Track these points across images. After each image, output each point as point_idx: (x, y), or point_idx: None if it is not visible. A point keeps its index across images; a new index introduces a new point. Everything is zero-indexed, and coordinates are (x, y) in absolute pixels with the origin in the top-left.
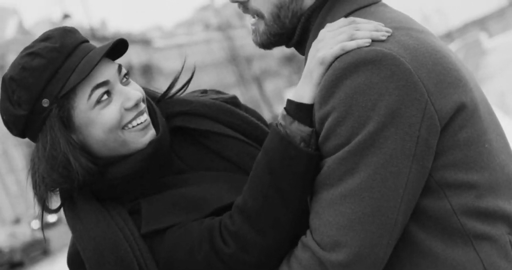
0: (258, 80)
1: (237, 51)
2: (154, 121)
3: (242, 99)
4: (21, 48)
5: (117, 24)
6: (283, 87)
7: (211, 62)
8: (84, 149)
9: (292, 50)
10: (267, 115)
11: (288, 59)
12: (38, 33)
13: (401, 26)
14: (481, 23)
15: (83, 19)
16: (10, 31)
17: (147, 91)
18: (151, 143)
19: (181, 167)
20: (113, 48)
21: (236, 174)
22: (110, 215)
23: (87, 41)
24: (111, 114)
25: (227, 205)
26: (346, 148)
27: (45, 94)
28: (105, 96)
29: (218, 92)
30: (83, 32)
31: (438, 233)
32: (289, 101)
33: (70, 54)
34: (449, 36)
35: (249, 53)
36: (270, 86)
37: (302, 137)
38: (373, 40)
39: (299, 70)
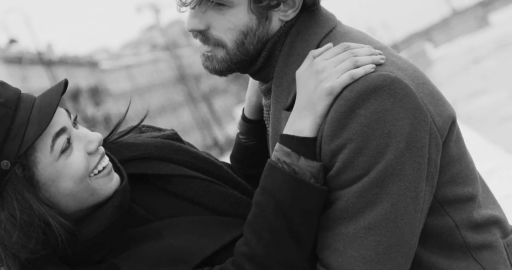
0: (207, 98)
1: (185, 70)
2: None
3: (191, 118)
4: None
5: (63, 47)
6: (232, 105)
7: (159, 82)
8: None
9: None
10: (218, 133)
11: (236, 77)
12: None
13: (379, 46)
14: (425, 33)
15: (29, 44)
16: None
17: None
18: (117, 192)
19: (145, 216)
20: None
21: (205, 215)
22: None
23: (19, 90)
24: (78, 162)
25: (212, 253)
26: (366, 179)
27: (3, 155)
28: (66, 144)
29: (155, 128)
30: (30, 57)
31: (439, 250)
32: (289, 137)
33: (17, 107)
34: (395, 47)
35: (197, 72)
36: (218, 103)
37: (311, 172)
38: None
39: (246, 85)
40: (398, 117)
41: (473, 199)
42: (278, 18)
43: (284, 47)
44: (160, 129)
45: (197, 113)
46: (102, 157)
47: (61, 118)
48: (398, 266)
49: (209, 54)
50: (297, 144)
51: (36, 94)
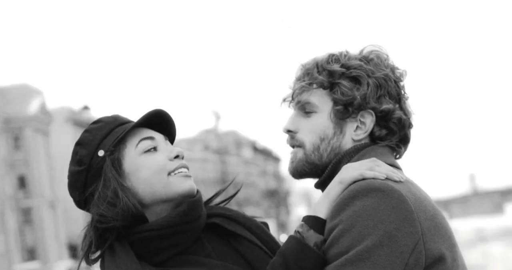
0: (240, 206)
1: (227, 175)
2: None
3: None
4: (39, 125)
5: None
6: (260, 217)
7: (204, 179)
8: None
9: (275, 185)
10: None
11: (270, 194)
12: (57, 116)
13: (410, 181)
14: (444, 204)
15: (100, 112)
16: (32, 108)
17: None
18: (185, 202)
19: (210, 252)
20: (163, 126)
21: None
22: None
23: (167, 113)
24: (158, 160)
25: None
26: (345, 257)
27: (101, 147)
28: (152, 150)
29: (254, 216)
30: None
31: None
32: (308, 216)
33: (123, 123)
34: None
35: (237, 180)
36: (248, 213)
37: (315, 242)
38: (387, 178)
39: (278, 204)
40: (387, 218)
41: None
42: (351, 136)
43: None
44: (259, 217)
45: None
46: (182, 165)
47: (154, 134)
48: None
49: (292, 155)
50: (312, 220)
51: None
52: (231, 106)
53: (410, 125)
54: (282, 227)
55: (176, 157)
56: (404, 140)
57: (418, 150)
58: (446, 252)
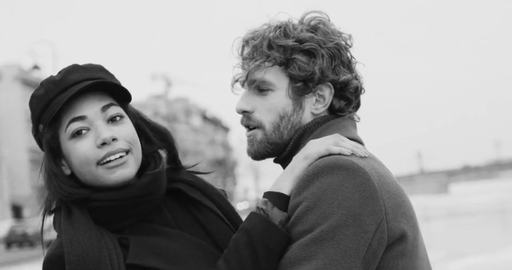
0: None
1: (176, 142)
2: (156, 167)
3: None
4: None
5: None
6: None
7: None
8: (72, 175)
9: (223, 154)
10: None
11: (218, 163)
12: (6, 74)
13: (372, 157)
14: None
15: (51, 73)
16: None
17: (170, 147)
18: (148, 174)
19: (169, 221)
20: (102, 87)
21: (210, 247)
22: (102, 235)
23: (97, 79)
24: (83, 149)
25: None
26: (309, 235)
27: (41, 120)
28: (84, 131)
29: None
30: None
31: None
32: (270, 193)
33: (66, 89)
34: None
35: (185, 148)
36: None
37: (281, 220)
38: (352, 154)
39: (225, 174)
40: (351, 196)
41: None
42: (310, 111)
43: (307, 140)
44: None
45: None
46: (110, 154)
47: (88, 108)
48: None
49: (250, 137)
50: (275, 197)
51: None
52: (183, 73)
53: (363, 91)
54: (228, 197)
55: (103, 144)
56: (357, 106)
57: (365, 125)
58: (408, 231)
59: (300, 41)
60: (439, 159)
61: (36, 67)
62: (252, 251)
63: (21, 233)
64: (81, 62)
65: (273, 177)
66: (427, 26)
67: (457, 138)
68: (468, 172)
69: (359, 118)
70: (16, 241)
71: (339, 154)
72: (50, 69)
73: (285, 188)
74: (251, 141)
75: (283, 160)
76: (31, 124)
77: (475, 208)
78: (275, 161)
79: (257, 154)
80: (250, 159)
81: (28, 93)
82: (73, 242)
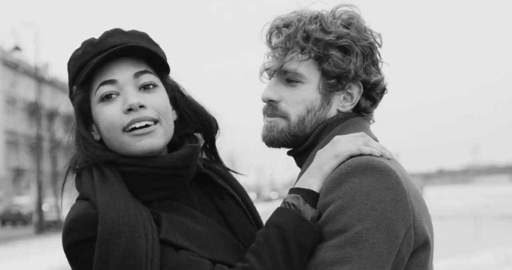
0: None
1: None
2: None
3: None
4: None
5: (59, 70)
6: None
7: None
8: (101, 141)
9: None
10: None
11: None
12: None
13: (394, 158)
14: None
15: (31, 56)
16: None
17: (207, 131)
18: (189, 146)
19: (195, 205)
20: (133, 52)
21: (233, 237)
22: (137, 203)
23: (138, 45)
24: (110, 114)
25: (223, 262)
26: (343, 236)
27: (75, 81)
28: (113, 96)
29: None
30: (26, 67)
31: None
32: (299, 189)
33: (103, 51)
34: None
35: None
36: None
37: (312, 217)
38: (381, 156)
39: None
40: (383, 199)
41: None
42: (337, 108)
43: (328, 136)
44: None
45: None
46: (136, 121)
47: (120, 72)
48: None
49: (272, 123)
50: (305, 194)
51: None
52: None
53: (386, 92)
54: None
55: (130, 110)
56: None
57: None
58: (430, 237)
59: (338, 37)
60: (415, 162)
61: (17, 48)
62: (285, 246)
63: (15, 212)
64: (65, 45)
65: (247, 170)
66: (424, 26)
67: (434, 142)
68: (443, 176)
69: (373, 120)
70: (10, 219)
71: (369, 155)
72: (31, 51)
73: (314, 185)
74: (271, 127)
75: (300, 153)
76: (9, 105)
77: (449, 212)
78: (289, 153)
79: (275, 141)
80: (228, 150)
81: (7, 74)
82: (109, 204)
